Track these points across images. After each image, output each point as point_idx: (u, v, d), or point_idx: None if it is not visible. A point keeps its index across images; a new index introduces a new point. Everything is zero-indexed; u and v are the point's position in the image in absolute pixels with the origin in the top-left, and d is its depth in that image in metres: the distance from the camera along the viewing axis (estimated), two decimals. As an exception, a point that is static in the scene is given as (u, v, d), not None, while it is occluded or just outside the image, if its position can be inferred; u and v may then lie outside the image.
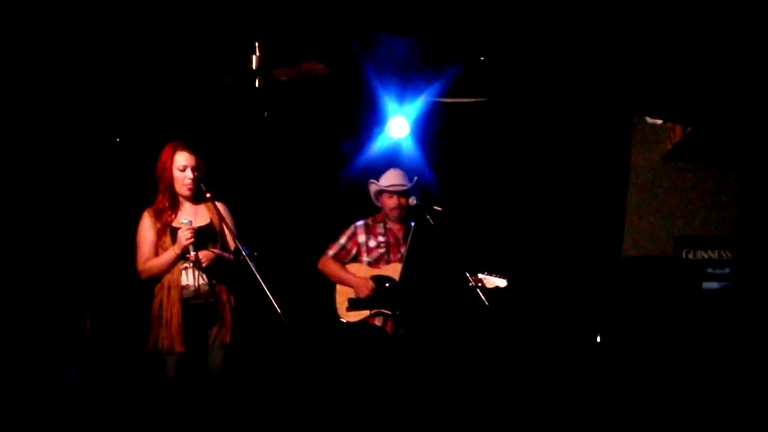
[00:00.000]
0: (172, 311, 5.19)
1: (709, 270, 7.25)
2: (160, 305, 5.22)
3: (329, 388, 6.51)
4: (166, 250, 5.24)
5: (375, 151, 7.63)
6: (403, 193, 6.21)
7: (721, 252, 7.30)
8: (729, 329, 6.93)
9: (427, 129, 7.82)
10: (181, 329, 5.18)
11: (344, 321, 6.08)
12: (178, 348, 5.16)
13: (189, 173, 5.30)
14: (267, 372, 6.84)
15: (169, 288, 5.21)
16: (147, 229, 5.30)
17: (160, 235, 5.27)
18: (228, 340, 5.35)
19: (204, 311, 5.30)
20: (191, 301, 5.26)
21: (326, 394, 6.51)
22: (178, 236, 5.20)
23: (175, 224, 5.27)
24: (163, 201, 5.32)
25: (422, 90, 7.44)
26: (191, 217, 5.30)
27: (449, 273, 5.89)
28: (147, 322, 5.35)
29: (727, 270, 7.23)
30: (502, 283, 6.17)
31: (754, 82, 6.06)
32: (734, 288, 7.17)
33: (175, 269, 5.24)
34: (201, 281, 5.29)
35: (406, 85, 7.36)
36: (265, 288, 4.98)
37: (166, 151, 5.35)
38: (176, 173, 5.31)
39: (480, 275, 6.17)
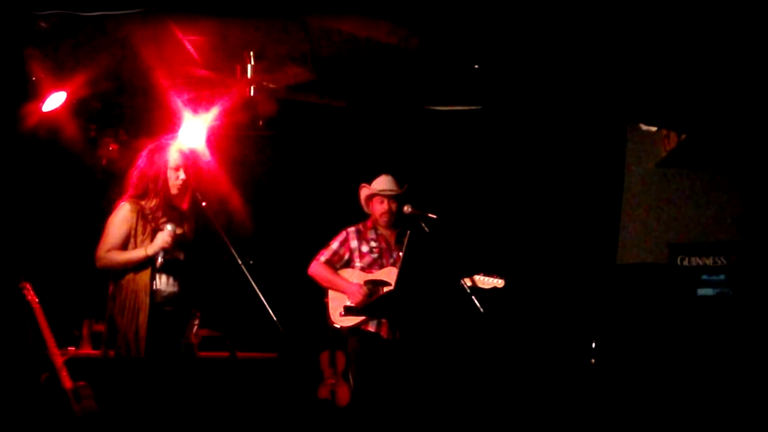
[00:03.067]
0: (142, 316, 5.07)
1: (704, 276, 7.27)
2: (127, 307, 5.10)
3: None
4: (138, 247, 5.16)
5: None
6: (394, 199, 6.19)
7: (716, 258, 7.32)
8: (724, 335, 6.94)
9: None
10: (149, 335, 5.05)
11: (338, 327, 6.04)
12: (141, 353, 5.02)
13: (182, 174, 5.26)
14: (265, 379, 6.85)
15: (139, 290, 5.10)
16: (124, 220, 5.15)
17: (140, 230, 5.16)
18: (196, 345, 5.30)
19: (172, 319, 5.22)
20: (164, 307, 5.18)
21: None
22: (157, 238, 5.12)
23: (161, 226, 5.18)
24: (154, 201, 5.23)
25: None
26: (175, 223, 5.22)
27: (445, 280, 5.87)
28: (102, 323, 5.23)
29: (721, 276, 7.25)
30: (499, 283, 6.15)
31: (748, 89, 6.08)
32: (729, 294, 7.18)
33: (145, 272, 5.15)
34: (172, 288, 5.21)
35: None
36: (261, 295, 4.97)
37: (156, 152, 5.27)
38: (170, 173, 5.25)
39: (477, 276, 6.16)
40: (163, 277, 5.16)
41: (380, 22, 5.94)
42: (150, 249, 5.08)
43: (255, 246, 6.46)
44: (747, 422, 6.33)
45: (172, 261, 5.16)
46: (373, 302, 5.79)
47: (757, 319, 7.09)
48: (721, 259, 7.30)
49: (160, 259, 5.08)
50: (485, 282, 6.12)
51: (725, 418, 6.43)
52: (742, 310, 7.07)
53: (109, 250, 5.11)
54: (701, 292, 7.22)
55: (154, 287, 5.12)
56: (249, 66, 6.45)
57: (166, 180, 5.22)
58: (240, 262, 5.10)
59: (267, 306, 4.97)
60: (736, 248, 7.39)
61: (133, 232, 5.16)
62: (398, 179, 6.25)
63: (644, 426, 6.54)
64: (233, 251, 5.14)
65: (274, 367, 6.97)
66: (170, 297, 5.18)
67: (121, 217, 5.17)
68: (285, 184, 8.11)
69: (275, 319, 4.98)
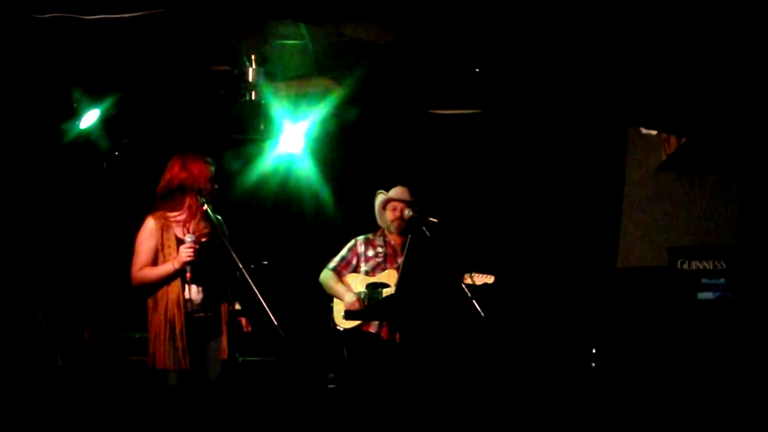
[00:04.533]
0: (178, 327, 5.13)
1: (704, 280, 7.27)
2: (165, 321, 5.15)
3: (327, 395, 6.54)
4: (167, 260, 5.19)
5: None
6: (408, 206, 6.25)
7: (716, 262, 7.32)
8: (724, 339, 6.95)
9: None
10: (188, 346, 5.14)
11: (340, 329, 6.13)
12: (185, 365, 5.13)
13: (216, 185, 5.33)
14: (267, 381, 6.85)
15: (171, 303, 5.15)
16: (150, 236, 5.22)
17: (166, 244, 5.22)
18: (226, 354, 5.32)
19: (206, 325, 5.28)
20: (195, 315, 5.23)
21: (324, 400, 6.53)
22: (179, 251, 5.16)
23: (185, 237, 5.22)
24: (185, 211, 5.27)
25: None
26: (201, 231, 5.27)
27: (446, 283, 5.89)
28: (144, 335, 5.29)
29: (722, 280, 7.25)
30: (489, 279, 6.22)
31: (748, 92, 6.08)
32: (729, 298, 7.18)
33: (175, 284, 5.19)
34: (202, 295, 5.26)
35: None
36: (262, 300, 4.97)
37: (193, 161, 5.30)
38: (206, 185, 5.28)
39: (468, 274, 6.21)
40: (193, 287, 5.21)
41: (381, 26, 5.96)
42: (176, 262, 5.12)
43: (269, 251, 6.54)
44: (747, 425, 6.34)
45: (202, 270, 5.20)
46: (373, 305, 5.85)
47: (758, 323, 7.11)
48: (721, 263, 7.30)
49: (188, 273, 5.12)
50: (476, 279, 6.18)
51: (726, 421, 6.43)
52: (743, 313, 7.08)
53: (141, 269, 5.18)
54: (701, 295, 7.23)
55: (186, 297, 5.18)
56: (251, 70, 6.46)
57: (202, 188, 5.25)
58: (241, 266, 5.10)
59: (268, 310, 4.97)
60: (736, 252, 7.40)
61: (160, 246, 5.21)
62: (410, 188, 6.34)
63: (645, 429, 6.54)
64: (234, 255, 5.14)
65: (275, 370, 6.98)
66: (201, 304, 5.22)
67: (147, 234, 5.23)
68: (281, 188, 8.12)
69: (276, 323, 4.98)
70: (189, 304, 5.18)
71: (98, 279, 6.95)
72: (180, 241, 5.19)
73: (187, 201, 5.26)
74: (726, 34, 5.36)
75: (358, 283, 6.19)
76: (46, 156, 6.81)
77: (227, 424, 5.33)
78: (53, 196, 6.88)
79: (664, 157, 7.72)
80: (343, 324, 6.10)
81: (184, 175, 5.26)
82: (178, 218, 5.26)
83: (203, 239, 5.23)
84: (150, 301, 5.23)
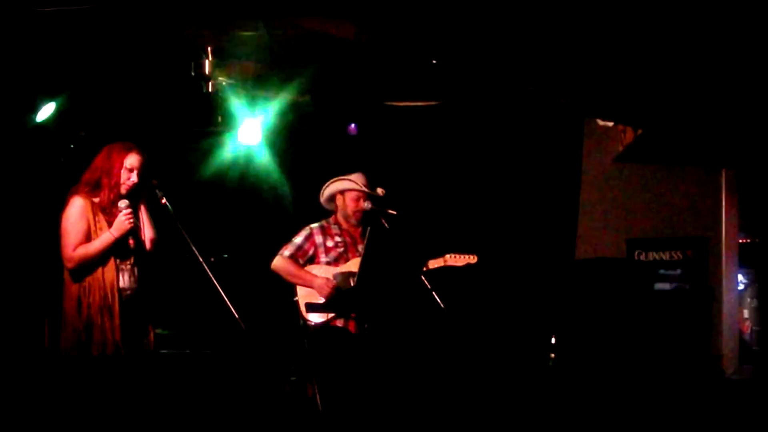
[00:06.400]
0: (112, 313, 5.05)
1: (661, 271, 7.34)
2: (100, 307, 5.04)
3: (296, 391, 6.51)
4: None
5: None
6: (370, 197, 6.18)
7: (673, 253, 7.39)
8: (681, 329, 7.02)
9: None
10: (122, 333, 5.05)
11: (312, 323, 5.99)
12: (122, 351, 5.03)
13: (134, 177, 5.23)
14: (234, 376, 6.81)
15: (105, 290, 5.06)
16: (81, 216, 5.02)
17: (98, 225, 5.10)
18: (152, 345, 5.27)
19: (139, 314, 5.19)
20: (128, 304, 5.14)
21: (293, 396, 6.50)
22: (117, 219, 5.06)
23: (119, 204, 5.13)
24: (108, 197, 5.18)
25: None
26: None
27: (406, 276, 5.88)
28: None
29: (678, 271, 7.32)
30: (472, 258, 6.17)
31: (705, 83, 6.13)
32: (686, 288, 7.26)
33: (111, 269, 5.10)
34: (136, 284, 5.18)
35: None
36: (222, 293, 4.93)
37: (116, 151, 5.23)
38: (123, 173, 5.20)
39: (447, 255, 6.17)
40: (125, 275, 5.13)
41: (338, 19, 5.94)
42: (114, 230, 5.03)
43: (216, 242, 6.47)
44: (703, 415, 6.40)
45: (130, 252, 5.13)
46: (335, 299, 5.79)
47: (712, 312, 7.21)
48: (678, 253, 7.38)
49: (131, 240, 5.05)
50: (458, 259, 6.13)
51: (681, 410, 6.49)
52: (698, 303, 7.16)
53: (75, 247, 5.05)
54: (658, 286, 7.29)
55: (119, 285, 5.09)
56: (207, 62, 6.41)
57: (118, 176, 5.17)
58: (201, 260, 5.06)
59: (228, 303, 4.93)
60: (693, 243, 7.47)
61: (92, 227, 5.10)
62: (369, 177, 6.26)
63: (604, 419, 6.58)
64: (194, 248, 5.09)
65: (237, 364, 6.94)
66: (132, 293, 5.14)
67: (77, 213, 5.08)
68: (239, 180, 8.07)
69: (237, 316, 4.94)
70: (122, 292, 5.10)
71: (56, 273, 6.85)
72: (109, 222, 5.10)
73: (108, 186, 5.18)
74: (681, 26, 5.39)
75: (322, 273, 6.06)
76: (3, 150, 6.72)
77: (184, 419, 5.29)
78: (11, 190, 6.80)
79: (620, 149, 7.77)
80: (312, 318, 5.97)
81: (104, 163, 5.20)
82: (105, 201, 5.18)
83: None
84: (75, 287, 5.10)
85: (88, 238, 5.05)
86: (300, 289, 6.06)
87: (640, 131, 7.34)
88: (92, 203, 5.12)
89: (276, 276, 6.11)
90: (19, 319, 6.61)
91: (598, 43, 5.88)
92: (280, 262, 6.09)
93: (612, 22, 5.51)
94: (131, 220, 5.04)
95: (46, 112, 6.74)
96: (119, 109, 7.03)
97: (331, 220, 6.25)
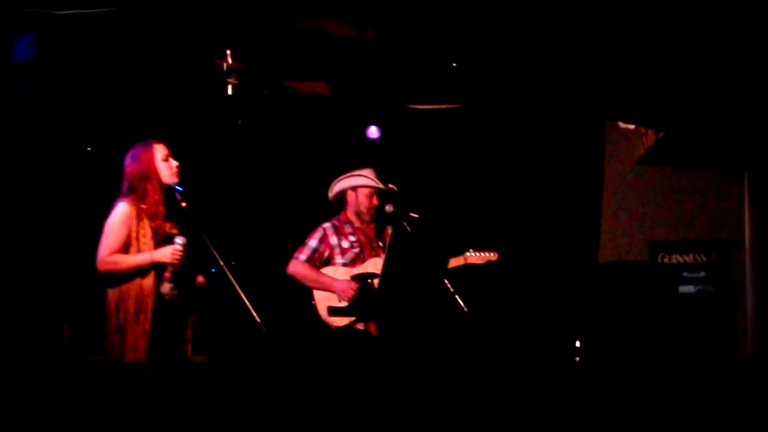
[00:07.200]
0: (149, 319, 5.05)
1: (685, 274, 7.27)
2: (136, 313, 5.06)
3: (317, 395, 6.47)
4: (142, 250, 5.09)
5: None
6: (388, 197, 6.13)
7: (696, 256, 7.33)
8: (705, 333, 6.95)
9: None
10: (157, 339, 5.06)
11: (332, 327, 5.94)
12: (151, 358, 5.04)
13: (173, 161, 5.23)
14: (253, 383, 6.76)
15: (143, 295, 5.06)
16: (124, 222, 5.08)
17: (141, 233, 5.11)
18: (190, 351, 5.27)
19: (175, 322, 5.19)
20: (164, 311, 5.14)
21: (315, 400, 6.46)
22: (166, 250, 5.05)
23: (169, 232, 5.14)
24: (154, 198, 5.18)
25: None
26: (175, 230, 5.20)
27: (428, 279, 5.83)
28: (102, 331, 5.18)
29: (702, 273, 7.25)
30: (493, 256, 6.13)
31: (726, 84, 6.09)
32: (710, 292, 7.19)
33: (149, 277, 5.10)
34: (174, 291, 5.18)
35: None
36: (244, 298, 4.90)
37: (142, 150, 5.23)
38: (161, 165, 5.20)
39: (468, 253, 6.12)
40: (166, 283, 5.12)
41: (360, 22, 5.92)
42: (156, 255, 5.03)
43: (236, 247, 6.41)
44: (727, 418, 6.34)
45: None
46: (358, 303, 5.75)
47: (738, 316, 7.13)
48: (702, 256, 7.32)
49: (167, 273, 5.06)
50: (478, 257, 6.09)
51: (706, 414, 6.43)
52: (723, 307, 7.09)
53: (111, 254, 5.04)
54: (683, 289, 7.23)
55: (158, 291, 5.09)
56: (225, 64, 6.39)
57: (157, 173, 5.17)
58: (222, 264, 5.03)
59: (251, 308, 4.90)
60: (716, 246, 7.41)
61: (134, 234, 5.10)
62: (381, 176, 6.21)
63: (629, 424, 6.52)
64: (215, 253, 5.07)
65: (259, 368, 6.90)
66: (171, 299, 5.14)
67: (120, 219, 5.10)
68: (257, 180, 8.03)
69: (259, 320, 4.91)
70: (160, 299, 5.10)
71: (78, 275, 6.83)
72: (166, 237, 5.10)
73: (150, 193, 5.18)
74: (702, 27, 5.36)
75: (339, 275, 6.00)
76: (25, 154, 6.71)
77: (209, 421, 5.27)
78: (30, 190, 6.78)
79: (642, 151, 7.71)
80: (332, 322, 5.91)
81: (137, 167, 5.20)
82: (152, 204, 5.17)
83: (174, 231, 5.16)
84: (114, 291, 5.12)
85: (126, 245, 5.05)
86: (317, 292, 6.01)
87: (661, 134, 7.28)
88: (139, 209, 5.14)
89: (292, 280, 6.07)
90: (36, 324, 6.61)
91: (620, 45, 5.85)
92: (297, 267, 6.04)
93: (634, 25, 5.48)
94: (178, 259, 5.03)
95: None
96: (137, 112, 7.01)
97: (342, 218, 6.20)
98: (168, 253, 5.04)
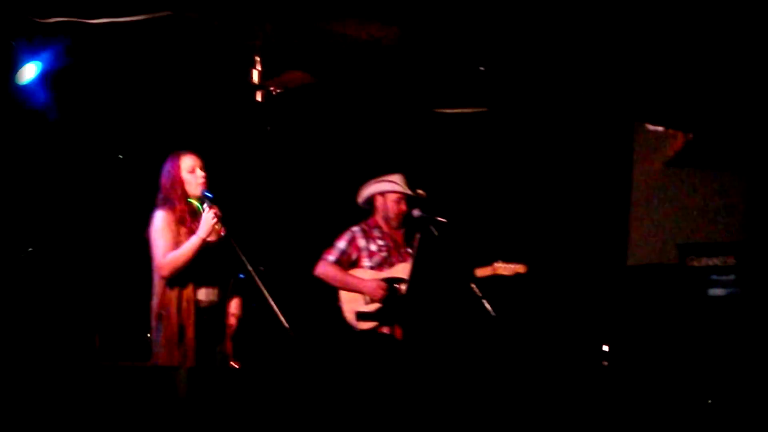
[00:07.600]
0: (187, 325, 5.12)
1: (714, 277, 7.23)
2: (177, 321, 5.13)
3: (341, 398, 6.50)
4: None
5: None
6: (417, 203, 6.15)
7: (726, 259, 7.29)
8: (735, 336, 6.92)
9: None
10: (195, 344, 5.13)
11: (357, 329, 5.95)
12: (191, 363, 5.11)
13: (200, 173, 5.28)
14: (279, 385, 6.82)
15: (184, 301, 5.14)
16: (166, 226, 5.16)
17: (183, 236, 5.18)
18: (231, 355, 5.34)
19: (215, 326, 5.27)
20: (204, 316, 5.21)
21: (338, 403, 6.50)
22: (204, 221, 5.11)
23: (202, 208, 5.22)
24: (182, 209, 5.25)
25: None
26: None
27: (456, 284, 5.84)
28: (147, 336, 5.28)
29: (731, 276, 7.21)
30: (521, 268, 6.12)
31: (754, 87, 6.08)
32: (739, 294, 7.15)
33: (189, 286, 5.17)
34: (213, 297, 5.25)
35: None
36: (272, 302, 4.94)
37: (170, 162, 5.30)
38: (186, 176, 5.26)
39: (496, 264, 6.12)
40: (202, 289, 5.20)
41: (386, 25, 5.95)
42: (201, 232, 5.09)
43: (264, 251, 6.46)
44: (758, 423, 6.31)
45: (211, 271, 5.22)
46: (386, 308, 5.76)
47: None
48: (731, 259, 7.28)
49: (212, 238, 5.14)
50: (507, 268, 6.09)
51: (736, 418, 6.41)
52: (753, 310, 7.05)
53: (165, 254, 5.12)
54: (712, 292, 7.19)
55: (197, 297, 5.18)
56: (255, 71, 6.44)
57: (182, 183, 5.23)
58: (251, 269, 5.07)
59: (279, 313, 4.94)
60: (745, 248, 7.37)
61: (177, 237, 5.18)
62: (410, 182, 6.23)
63: (657, 427, 6.52)
64: (243, 258, 5.11)
65: (285, 372, 6.95)
66: (210, 306, 5.21)
67: (161, 224, 5.18)
68: (283, 185, 8.08)
69: (287, 325, 4.94)
70: (198, 305, 5.17)
71: (109, 282, 6.91)
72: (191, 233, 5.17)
73: (177, 199, 5.25)
74: (732, 29, 5.36)
75: (367, 278, 6.02)
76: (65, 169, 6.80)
77: (239, 424, 5.32)
78: (61, 196, 6.87)
79: (671, 154, 7.70)
80: (358, 325, 5.93)
81: (165, 179, 5.27)
82: (181, 213, 5.24)
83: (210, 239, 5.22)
84: (156, 302, 5.21)
85: (176, 246, 5.14)
86: (344, 294, 6.03)
87: (690, 136, 7.27)
88: (174, 216, 5.21)
89: (319, 283, 6.10)
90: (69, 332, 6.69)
91: (648, 47, 5.85)
92: (325, 268, 6.06)
93: (661, 28, 5.48)
94: (217, 215, 5.10)
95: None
96: (168, 121, 7.08)
97: (371, 222, 6.22)
98: (208, 220, 5.09)
